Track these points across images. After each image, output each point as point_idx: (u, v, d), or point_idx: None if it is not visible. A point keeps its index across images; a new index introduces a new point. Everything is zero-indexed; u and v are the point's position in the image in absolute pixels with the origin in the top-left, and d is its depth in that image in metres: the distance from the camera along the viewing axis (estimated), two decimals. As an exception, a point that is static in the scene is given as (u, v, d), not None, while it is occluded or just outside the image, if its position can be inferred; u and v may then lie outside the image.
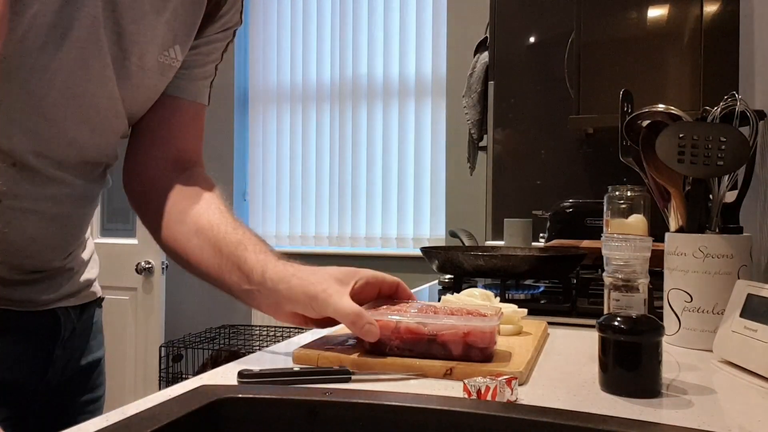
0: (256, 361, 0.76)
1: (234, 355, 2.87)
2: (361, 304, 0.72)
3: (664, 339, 0.64)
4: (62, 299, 0.87)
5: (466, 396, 0.58)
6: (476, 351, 0.68)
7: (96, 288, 0.96)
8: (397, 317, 0.71)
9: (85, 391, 0.93)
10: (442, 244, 3.10)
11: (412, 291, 1.33)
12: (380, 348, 0.71)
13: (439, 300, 0.92)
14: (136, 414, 0.52)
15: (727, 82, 1.39)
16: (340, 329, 0.85)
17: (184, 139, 0.90)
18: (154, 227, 0.86)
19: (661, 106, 0.93)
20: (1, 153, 0.72)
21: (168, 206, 0.84)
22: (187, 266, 0.83)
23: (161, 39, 0.80)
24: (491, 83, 2.02)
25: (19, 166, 0.74)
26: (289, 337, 2.32)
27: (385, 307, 0.76)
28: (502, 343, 0.77)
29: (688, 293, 0.83)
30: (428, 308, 0.76)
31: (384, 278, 0.80)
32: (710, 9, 1.58)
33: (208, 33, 0.87)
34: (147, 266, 2.89)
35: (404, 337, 0.70)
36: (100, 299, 0.97)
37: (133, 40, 0.77)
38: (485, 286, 1.11)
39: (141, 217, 0.90)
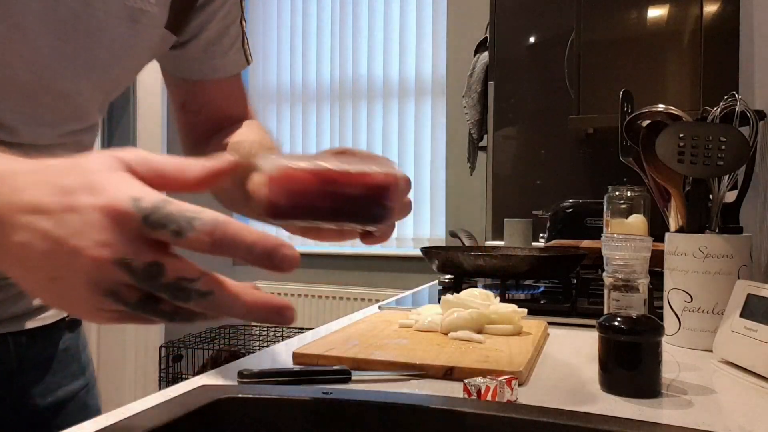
0: (256, 361, 0.76)
1: (234, 355, 2.87)
2: None
3: (664, 339, 0.64)
4: (5, 322, 0.69)
5: (466, 396, 0.58)
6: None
7: None
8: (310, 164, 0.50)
9: None
10: (442, 244, 3.10)
11: (412, 291, 1.33)
12: (294, 209, 0.51)
13: (438, 301, 0.92)
14: (136, 414, 0.52)
15: (727, 82, 1.40)
16: (341, 329, 0.85)
17: (231, 108, 0.85)
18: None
19: (661, 106, 0.93)
20: None
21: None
22: None
23: None
24: (491, 83, 2.02)
25: None
26: (289, 337, 2.32)
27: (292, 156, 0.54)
28: (502, 343, 0.77)
29: (688, 293, 0.83)
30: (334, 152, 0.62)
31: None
32: (710, 9, 1.58)
33: None
34: (147, 266, 2.89)
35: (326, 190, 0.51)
36: (71, 322, 0.79)
37: None
38: (485, 286, 1.12)
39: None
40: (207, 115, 0.84)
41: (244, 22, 0.83)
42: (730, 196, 0.88)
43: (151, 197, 0.36)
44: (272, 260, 0.37)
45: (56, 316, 0.76)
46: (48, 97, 0.65)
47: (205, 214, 0.36)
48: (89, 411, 0.79)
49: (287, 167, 0.49)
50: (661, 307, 0.87)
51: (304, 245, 3.48)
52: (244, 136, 0.80)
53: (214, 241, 0.35)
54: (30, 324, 0.72)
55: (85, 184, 0.36)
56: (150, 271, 0.35)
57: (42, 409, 0.74)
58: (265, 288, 3.66)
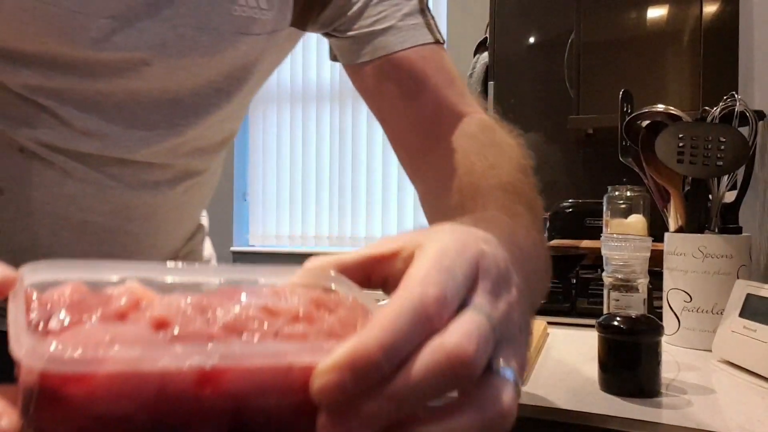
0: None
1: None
2: None
3: (664, 339, 0.64)
4: None
5: (466, 396, 0.58)
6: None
7: None
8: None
9: None
10: (442, 244, 3.10)
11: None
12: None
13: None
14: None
15: (727, 82, 1.40)
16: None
17: (423, 101, 0.65)
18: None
19: (660, 107, 0.93)
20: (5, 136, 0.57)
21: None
22: None
23: None
24: (491, 83, 2.02)
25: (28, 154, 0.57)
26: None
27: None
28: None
29: (687, 293, 0.83)
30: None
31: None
32: (710, 9, 1.58)
33: None
34: (147, 266, 2.89)
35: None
36: None
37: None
38: (485, 286, 1.12)
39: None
40: (401, 109, 0.66)
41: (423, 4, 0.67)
42: (730, 196, 0.88)
43: None
44: None
45: None
46: (137, 106, 0.60)
47: None
48: None
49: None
50: (661, 307, 0.87)
51: (303, 245, 3.49)
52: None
53: None
54: None
55: None
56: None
57: None
58: (265, 288, 3.67)
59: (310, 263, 0.33)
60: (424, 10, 0.67)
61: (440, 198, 0.61)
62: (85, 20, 0.54)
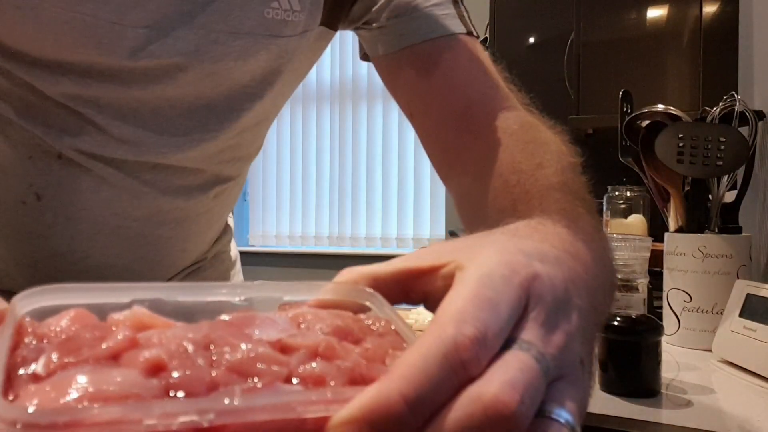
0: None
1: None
2: None
3: (664, 339, 0.64)
4: None
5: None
6: None
7: None
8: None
9: None
10: (442, 244, 3.10)
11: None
12: None
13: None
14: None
15: (727, 82, 1.40)
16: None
17: (456, 92, 0.62)
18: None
19: (660, 107, 0.93)
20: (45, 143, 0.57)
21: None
22: None
23: None
24: (491, 83, 2.02)
25: (65, 160, 0.57)
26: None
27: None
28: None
29: (687, 293, 0.83)
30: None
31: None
32: (709, 9, 1.58)
33: None
34: (147, 266, 2.90)
35: None
36: None
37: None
38: (485, 286, 1.12)
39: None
40: (432, 100, 0.63)
41: None
42: (730, 196, 0.88)
43: None
44: None
45: None
46: (172, 112, 0.60)
47: None
48: None
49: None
50: (661, 307, 0.87)
51: (303, 245, 3.49)
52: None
53: None
54: None
55: None
56: None
57: None
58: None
59: (341, 276, 0.29)
60: (457, 1, 0.64)
61: (482, 200, 0.55)
62: (121, 31, 0.54)
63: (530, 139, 0.59)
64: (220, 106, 0.61)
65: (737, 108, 0.86)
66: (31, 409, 0.20)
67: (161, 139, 0.60)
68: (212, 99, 0.61)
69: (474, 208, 0.58)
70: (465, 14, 0.65)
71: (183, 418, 0.20)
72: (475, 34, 0.64)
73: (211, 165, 0.64)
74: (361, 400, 0.21)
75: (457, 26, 0.63)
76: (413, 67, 0.63)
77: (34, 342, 0.23)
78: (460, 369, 0.21)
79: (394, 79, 0.66)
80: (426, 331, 0.23)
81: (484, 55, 0.64)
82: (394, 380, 0.21)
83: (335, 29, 0.65)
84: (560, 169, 0.53)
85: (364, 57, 0.69)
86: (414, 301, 0.30)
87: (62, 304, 0.25)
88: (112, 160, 0.59)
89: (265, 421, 0.21)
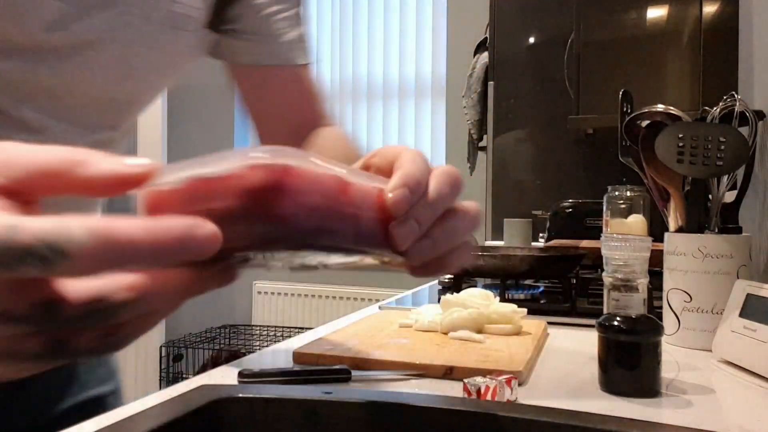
0: (256, 361, 0.76)
1: (234, 355, 2.87)
2: None
3: (664, 339, 0.64)
4: None
5: (466, 396, 0.58)
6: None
7: None
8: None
9: None
10: (442, 244, 3.10)
11: (412, 291, 1.33)
12: None
13: (438, 301, 0.92)
14: (136, 414, 0.52)
15: (727, 82, 1.40)
16: (341, 331, 0.85)
17: (299, 109, 0.79)
18: None
19: (660, 107, 0.93)
20: None
21: None
22: None
23: None
24: (491, 83, 2.02)
25: None
26: (289, 337, 2.32)
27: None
28: (502, 343, 0.77)
29: (687, 293, 0.83)
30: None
31: None
32: (709, 9, 1.58)
33: None
34: (147, 266, 2.89)
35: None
36: None
37: None
38: (485, 286, 1.12)
39: None
40: (278, 112, 0.78)
41: (301, 19, 0.78)
42: (730, 196, 0.88)
43: None
44: (189, 251, 0.26)
45: None
46: (76, 101, 0.62)
47: (74, 230, 0.24)
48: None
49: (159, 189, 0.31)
50: (661, 307, 0.87)
51: (304, 245, 3.49)
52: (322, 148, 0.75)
53: (101, 261, 0.25)
54: None
55: None
56: (40, 314, 0.25)
57: (64, 413, 0.71)
58: (264, 287, 3.64)
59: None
60: (305, 34, 0.79)
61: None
62: (41, 2, 0.55)
63: (343, 139, 0.80)
64: (122, 100, 0.66)
65: (737, 108, 0.86)
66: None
67: (59, 126, 0.61)
68: (116, 92, 0.64)
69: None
70: (308, 46, 0.80)
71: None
72: (309, 60, 0.80)
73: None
74: (399, 175, 0.38)
75: (305, 57, 0.78)
76: (266, 82, 0.77)
77: None
78: (428, 169, 0.40)
79: (247, 85, 0.79)
80: (403, 160, 0.40)
81: (315, 81, 0.82)
82: (409, 167, 0.39)
83: (212, 29, 0.72)
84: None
85: (213, 54, 0.77)
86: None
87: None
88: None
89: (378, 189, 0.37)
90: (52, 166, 0.27)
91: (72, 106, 0.62)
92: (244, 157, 0.30)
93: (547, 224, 1.60)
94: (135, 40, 0.62)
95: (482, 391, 0.58)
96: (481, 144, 2.13)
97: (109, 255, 0.25)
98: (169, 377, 2.97)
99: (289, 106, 0.79)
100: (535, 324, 0.87)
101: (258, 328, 3.30)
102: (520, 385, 0.64)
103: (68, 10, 0.57)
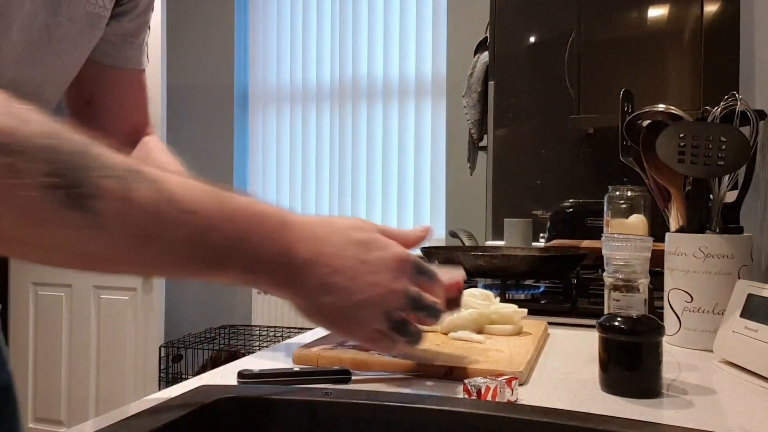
0: (256, 361, 0.76)
1: (234, 355, 2.87)
2: None
3: (665, 339, 0.63)
4: None
5: (466, 396, 0.58)
6: None
7: None
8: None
9: None
10: (442, 244, 3.10)
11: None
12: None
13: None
14: (136, 414, 0.52)
15: (728, 81, 1.39)
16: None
17: (137, 112, 0.87)
18: None
19: (661, 106, 0.92)
20: None
21: None
22: None
23: None
24: (491, 83, 2.02)
25: None
26: (289, 337, 2.32)
27: None
28: (502, 343, 0.77)
29: (688, 293, 0.83)
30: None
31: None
32: (710, 9, 1.58)
33: None
34: (147, 266, 2.89)
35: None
36: None
37: None
38: (485, 286, 1.11)
39: None
40: (113, 117, 0.84)
41: (149, 25, 0.86)
42: (731, 196, 0.88)
43: (414, 254, 0.57)
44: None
45: None
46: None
47: (439, 273, 0.58)
48: (15, 403, 0.78)
49: None
50: (662, 307, 0.87)
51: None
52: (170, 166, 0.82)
53: (443, 289, 0.57)
54: None
55: (373, 240, 0.55)
56: (417, 298, 0.53)
57: None
58: (265, 288, 3.65)
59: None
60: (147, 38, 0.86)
61: None
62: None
63: (166, 152, 0.87)
64: (45, 94, 0.71)
65: (738, 107, 0.86)
66: None
67: None
68: (39, 83, 0.70)
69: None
70: (147, 47, 0.86)
71: None
72: (146, 63, 0.87)
73: None
74: (415, 233, 0.64)
75: (145, 62, 0.86)
76: (117, 81, 0.83)
77: None
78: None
79: (98, 81, 0.82)
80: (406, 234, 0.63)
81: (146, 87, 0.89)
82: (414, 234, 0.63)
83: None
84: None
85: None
86: None
87: None
88: None
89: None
90: (396, 235, 0.62)
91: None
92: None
93: (548, 224, 1.60)
94: (64, 37, 0.68)
95: (483, 391, 0.57)
96: (481, 144, 2.13)
97: (444, 290, 0.62)
98: (168, 377, 2.97)
99: (132, 106, 0.86)
100: (535, 324, 0.87)
101: (258, 328, 3.29)
102: (520, 385, 0.64)
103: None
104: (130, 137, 0.85)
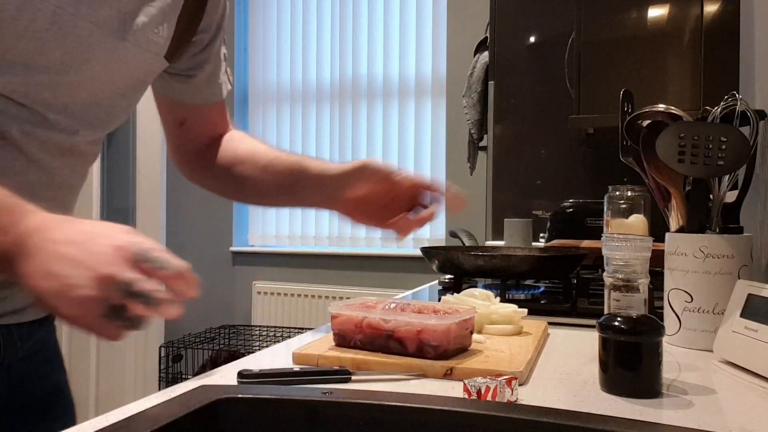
0: (256, 361, 0.76)
1: (234, 355, 2.87)
2: (369, 209, 0.93)
3: (665, 339, 0.63)
4: (5, 315, 0.75)
5: (466, 396, 0.58)
6: (429, 348, 0.69)
7: None
8: (362, 313, 0.74)
9: (40, 425, 0.80)
10: (442, 244, 3.10)
11: (412, 291, 1.33)
12: (345, 342, 0.75)
13: (439, 301, 0.92)
14: (136, 414, 0.52)
15: (728, 81, 1.39)
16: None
17: (221, 124, 1.01)
18: (215, 186, 1.00)
19: (661, 106, 0.92)
20: None
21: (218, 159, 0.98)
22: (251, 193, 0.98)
23: (151, 15, 0.77)
24: (491, 83, 2.02)
25: None
26: (289, 337, 2.32)
27: (359, 304, 0.77)
28: (502, 343, 0.77)
29: (688, 293, 0.83)
30: (400, 305, 0.77)
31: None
32: (710, 9, 1.58)
33: (199, 29, 0.88)
34: (147, 266, 2.89)
35: (366, 332, 0.73)
36: (51, 319, 0.85)
37: (131, 14, 0.74)
38: (485, 286, 1.11)
39: (209, 188, 1.02)
40: (202, 132, 0.99)
41: (224, 54, 0.96)
42: (731, 196, 0.88)
43: (143, 244, 0.53)
44: (184, 291, 0.55)
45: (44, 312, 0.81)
46: (77, 106, 0.75)
47: (174, 262, 0.54)
48: (67, 409, 0.86)
49: None
50: (662, 307, 0.87)
51: (303, 245, 3.49)
52: (260, 147, 0.99)
53: (173, 278, 0.53)
54: (23, 318, 0.78)
55: (102, 231, 0.55)
56: (128, 284, 0.51)
57: (37, 398, 0.80)
58: (264, 288, 3.63)
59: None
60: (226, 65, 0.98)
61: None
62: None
63: (250, 138, 1.03)
64: (109, 105, 0.79)
65: (738, 107, 0.86)
66: None
67: (75, 125, 0.75)
68: (106, 99, 0.78)
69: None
70: (228, 68, 0.98)
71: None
72: (233, 83, 1.04)
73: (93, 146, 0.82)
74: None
75: (229, 85, 0.98)
76: (203, 112, 0.97)
77: None
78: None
79: (181, 111, 0.96)
80: None
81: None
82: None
83: (170, 61, 0.84)
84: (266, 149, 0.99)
85: (156, 88, 0.94)
86: None
87: None
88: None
89: (408, 323, 0.71)
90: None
91: (75, 110, 0.74)
92: None
93: (548, 224, 1.60)
94: (114, 56, 0.74)
95: (483, 391, 0.57)
96: (481, 144, 2.13)
97: (176, 279, 0.55)
98: (168, 378, 2.97)
99: (216, 123, 1.00)
100: (535, 324, 0.87)
101: (258, 328, 3.29)
102: (520, 385, 0.64)
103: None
104: (213, 140, 1.00)
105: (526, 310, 0.86)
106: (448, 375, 0.66)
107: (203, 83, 0.93)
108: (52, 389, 0.84)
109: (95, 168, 2.93)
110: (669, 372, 0.70)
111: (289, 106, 3.55)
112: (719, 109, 0.87)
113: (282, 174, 0.93)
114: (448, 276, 1.26)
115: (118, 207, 3.20)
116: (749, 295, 0.75)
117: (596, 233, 1.41)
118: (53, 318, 0.84)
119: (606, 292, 0.74)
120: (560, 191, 1.84)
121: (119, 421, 0.50)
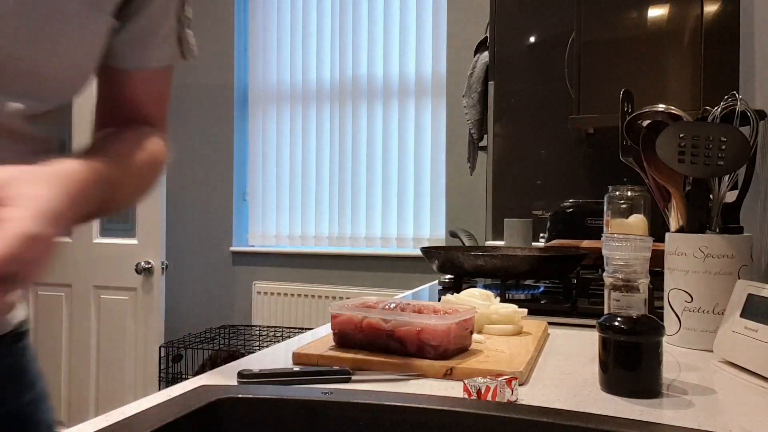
0: (256, 361, 0.76)
1: (233, 355, 2.87)
2: None
3: (665, 339, 0.63)
4: None
5: (466, 396, 0.58)
6: (429, 348, 0.69)
7: (14, 316, 0.71)
8: (362, 313, 0.74)
9: None
10: (442, 244, 3.10)
11: (412, 291, 1.33)
12: (345, 342, 0.75)
13: (439, 301, 0.92)
14: (136, 414, 0.52)
15: (728, 81, 1.39)
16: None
17: (153, 107, 0.80)
18: None
19: (661, 106, 0.92)
20: None
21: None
22: None
23: None
24: (491, 83, 2.02)
25: None
26: (289, 337, 2.32)
27: (359, 304, 0.78)
28: (502, 343, 0.77)
29: (688, 293, 0.83)
30: (400, 305, 0.77)
31: None
32: (710, 9, 1.58)
33: None
34: (147, 266, 2.89)
35: (366, 332, 0.73)
36: (15, 335, 0.72)
37: None
38: (485, 286, 1.11)
39: None
40: (128, 109, 0.78)
41: (186, 15, 0.78)
42: (731, 196, 0.88)
43: None
44: None
45: (5, 327, 0.70)
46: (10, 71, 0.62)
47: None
48: (37, 427, 0.75)
49: None
50: (662, 307, 0.87)
51: (303, 245, 3.49)
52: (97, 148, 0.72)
53: None
54: None
55: None
56: None
57: None
58: (264, 288, 3.62)
59: None
60: (183, 33, 0.79)
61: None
62: None
63: (130, 142, 0.75)
64: (47, 75, 0.66)
65: (738, 107, 0.86)
66: None
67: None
68: (39, 65, 0.65)
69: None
70: (188, 40, 0.80)
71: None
72: (188, 57, 0.82)
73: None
74: None
75: (176, 57, 0.79)
76: (129, 82, 0.77)
77: None
78: None
79: (108, 81, 0.77)
80: None
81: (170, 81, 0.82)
82: None
83: (117, 20, 0.71)
84: (143, 159, 0.74)
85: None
86: None
87: None
88: None
89: (408, 323, 0.72)
90: None
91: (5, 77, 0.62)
92: None
93: (548, 224, 1.60)
94: (55, 15, 0.62)
95: (482, 391, 0.57)
96: (481, 144, 2.13)
97: None
98: (168, 378, 2.97)
99: (142, 107, 0.79)
100: (535, 324, 0.87)
101: (257, 328, 3.29)
102: (520, 385, 0.64)
103: None
104: (135, 125, 0.78)
105: (526, 310, 0.86)
106: (448, 375, 0.66)
107: (133, 39, 0.74)
108: (6, 415, 0.71)
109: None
110: (669, 372, 0.70)
111: (289, 106, 3.55)
112: (719, 109, 0.87)
113: None
114: (448, 276, 1.26)
115: (118, 207, 3.19)
116: (749, 295, 0.75)
117: (596, 233, 1.41)
118: (12, 337, 0.72)
119: (606, 292, 0.74)
120: (560, 191, 1.84)
121: (119, 421, 0.50)
